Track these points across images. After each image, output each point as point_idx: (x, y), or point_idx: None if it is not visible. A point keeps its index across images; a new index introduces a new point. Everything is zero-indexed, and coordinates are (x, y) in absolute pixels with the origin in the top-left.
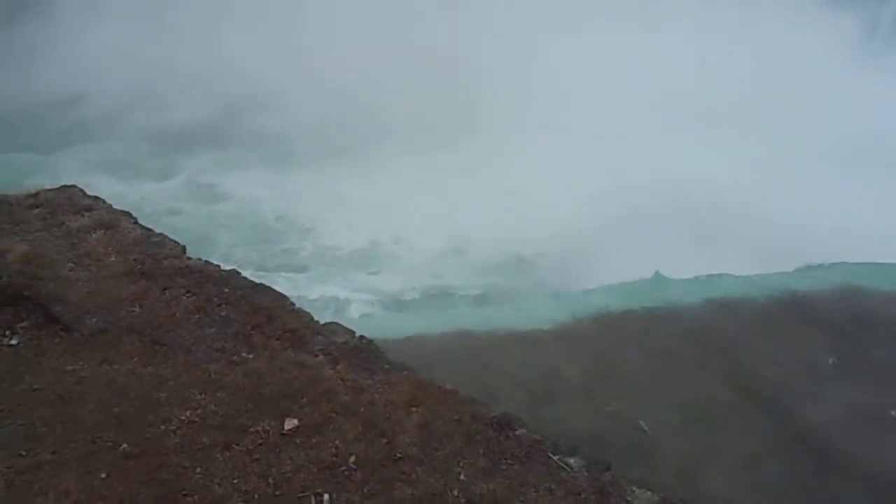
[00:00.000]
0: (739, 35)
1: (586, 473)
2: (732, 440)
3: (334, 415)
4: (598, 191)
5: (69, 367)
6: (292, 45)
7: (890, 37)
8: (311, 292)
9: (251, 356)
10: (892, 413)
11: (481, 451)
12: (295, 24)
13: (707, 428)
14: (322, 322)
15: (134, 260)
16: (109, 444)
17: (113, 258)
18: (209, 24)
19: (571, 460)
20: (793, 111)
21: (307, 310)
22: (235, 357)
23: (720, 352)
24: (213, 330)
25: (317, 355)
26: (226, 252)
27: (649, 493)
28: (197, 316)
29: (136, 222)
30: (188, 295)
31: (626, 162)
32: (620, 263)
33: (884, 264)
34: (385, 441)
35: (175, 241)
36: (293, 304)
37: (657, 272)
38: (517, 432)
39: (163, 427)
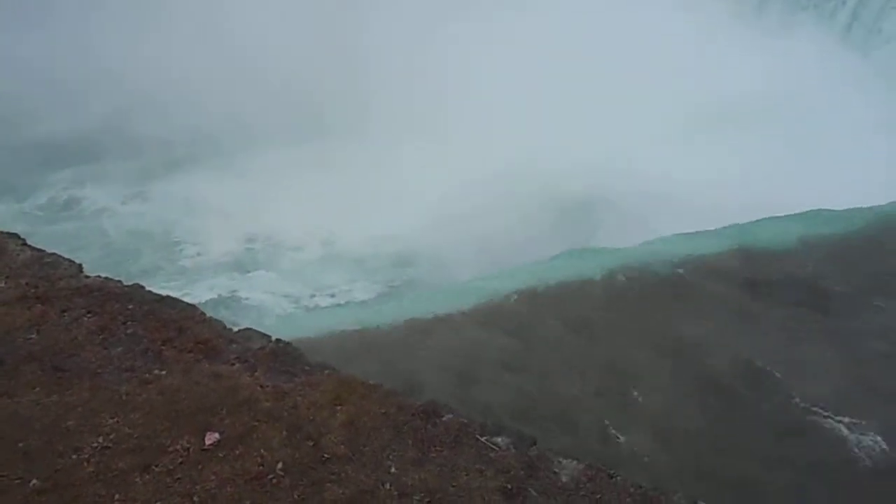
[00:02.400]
0: (614, 20)
1: (514, 450)
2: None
3: (257, 423)
4: (472, 184)
5: None
6: (171, 51)
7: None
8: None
9: (163, 372)
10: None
11: (410, 442)
12: (174, 29)
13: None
14: (235, 329)
15: (26, 284)
16: (17, 481)
17: (3, 284)
18: (89, 28)
19: (499, 439)
20: (657, 81)
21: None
22: (147, 375)
23: (632, 316)
24: (119, 349)
25: (233, 364)
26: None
27: (575, 462)
28: (101, 336)
29: (24, 243)
30: (89, 315)
31: (498, 154)
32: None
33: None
34: (311, 444)
35: (70, 261)
36: (203, 314)
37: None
38: (444, 418)
39: (74, 457)
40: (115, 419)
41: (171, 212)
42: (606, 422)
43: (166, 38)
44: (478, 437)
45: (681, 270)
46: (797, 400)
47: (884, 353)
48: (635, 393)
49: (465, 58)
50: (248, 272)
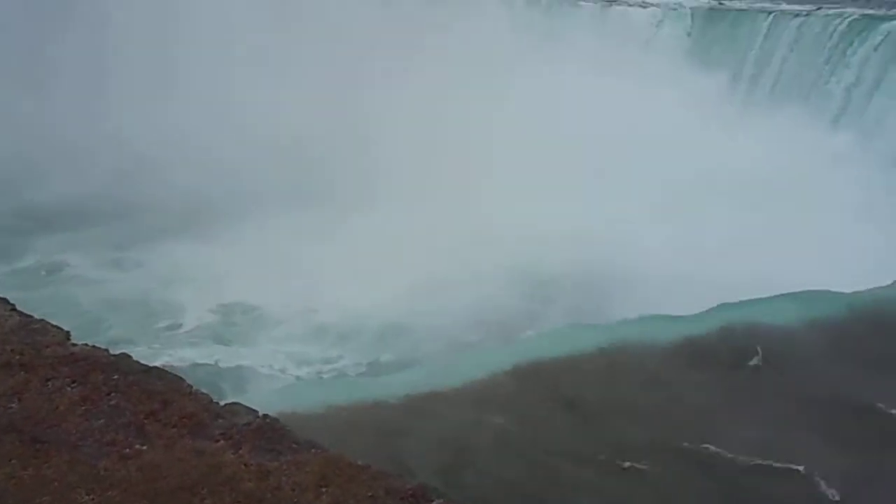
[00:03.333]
0: (603, 92)
1: None
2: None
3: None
4: (450, 251)
5: None
6: (177, 115)
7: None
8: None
9: (145, 447)
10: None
11: None
12: (181, 93)
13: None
14: (222, 403)
15: (11, 350)
16: None
17: None
18: (96, 91)
19: None
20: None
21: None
22: (127, 450)
23: (625, 399)
24: (101, 421)
25: (217, 440)
26: None
27: None
28: (83, 407)
29: (13, 309)
30: (73, 385)
31: (474, 221)
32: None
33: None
34: None
35: (58, 328)
36: (190, 386)
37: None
38: (434, 503)
39: None
40: (91, 496)
41: (149, 280)
42: None
43: (173, 102)
44: None
45: (672, 349)
46: (806, 487)
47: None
48: (634, 473)
49: (465, 128)
50: (225, 345)
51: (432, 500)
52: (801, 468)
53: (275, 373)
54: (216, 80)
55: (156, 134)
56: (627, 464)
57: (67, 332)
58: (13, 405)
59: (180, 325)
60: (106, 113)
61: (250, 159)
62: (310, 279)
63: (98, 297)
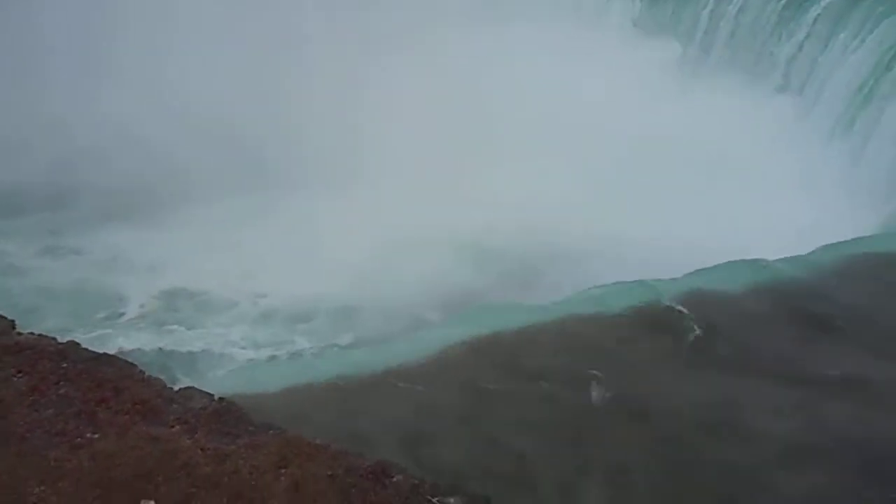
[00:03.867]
0: (541, 68)
1: None
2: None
3: (195, 489)
4: (410, 232)
5: None
6: (117, 101)
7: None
8: None
9: (97, 436)
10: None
11: None
12: (119, 78)
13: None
14: (177, 388)
15: None
16: None
17: None
18: (33, 78)
19: (451, 500)
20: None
21: None
22: (79, 439)
23: (591, 365)
24: (50, 411)
25: (172, 426)
26: None
27: None
28: (31, 398)
29: None
30: (20, 375)
31: (434, 204)
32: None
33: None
34: None
35: (2, 317)
36: (143, 372)
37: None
38: (394, 479)
39: None
40: (43, 487)
41: (88, 267)
42: (564, 479)
43: (112, 88)
44: (429, 497)
45: (628, 320)
46: (755, 447)
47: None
48: (594, 449)
49: (400, 104)
50: (171, 332)
51: (393, 476)
52: (744, 429)
53: (226, 356)
54: (153, 63)
55: (97, 120)
56: (582, 432)
57: (12, 322)
58: None
59: (123, 313)
60: (40, 100)
61: (192, 145)
62: (254, 263)
63: (33, 285)
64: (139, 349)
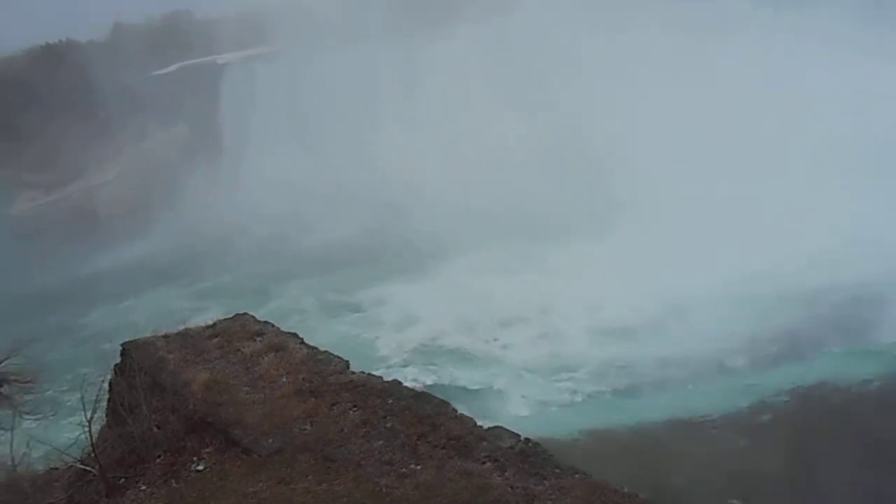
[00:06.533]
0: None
1: None
2: None
3: None
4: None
5: (250, 489)
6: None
7: None
8: None
9: (419, 467)
10: None
11: None
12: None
13: None
14: (486, 427)
15: (302, 379)
16: None
17: (284, 379)
18: (355, 146)
19: None
20: None
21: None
22: (404, 469)
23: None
24: (380, 443)
25: (483, 462)
26: None
27: None
28: (364, 429)
29: (302, 342)
30: (354, 409)
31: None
32: None
33: None
34: None
35: (339, 357)
36: (455, 410)
37: None
38: None
39: None
40: None
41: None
42: None
43: (415, 150)
44: None
45: None
46: None
47: None
48: None
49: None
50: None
51: None
52: None
53: (525, 397)
54: (455, 124)
55: (402, 180)
56: None
57: (347, 362)
58: (307, 427)
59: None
60: (362, 165)
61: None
62: (547, 307)
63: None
64: (441, 384)
